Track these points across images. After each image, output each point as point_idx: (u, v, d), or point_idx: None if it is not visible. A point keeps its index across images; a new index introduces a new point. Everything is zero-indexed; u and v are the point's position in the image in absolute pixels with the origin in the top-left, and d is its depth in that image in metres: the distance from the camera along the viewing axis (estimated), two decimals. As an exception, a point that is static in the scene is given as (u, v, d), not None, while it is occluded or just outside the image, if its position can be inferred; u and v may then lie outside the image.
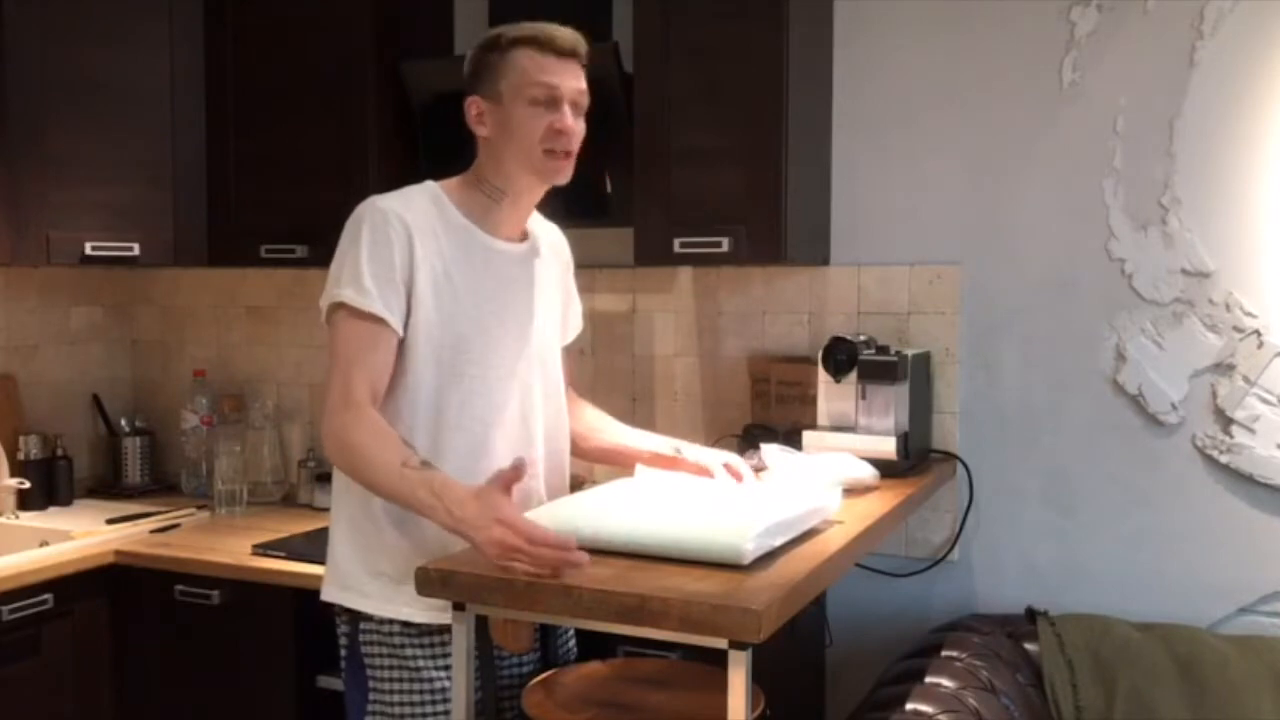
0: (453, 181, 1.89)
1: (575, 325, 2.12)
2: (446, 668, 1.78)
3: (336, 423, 1.72)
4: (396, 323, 1.75)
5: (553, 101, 1.79)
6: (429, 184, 1.87)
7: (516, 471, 1.62)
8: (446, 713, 1.77)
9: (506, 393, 1.85)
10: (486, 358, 1.83)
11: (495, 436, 1.83)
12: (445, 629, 1.75)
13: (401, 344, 1.78)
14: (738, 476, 1.96)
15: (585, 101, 1.85)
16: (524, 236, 1.94)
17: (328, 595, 1.88)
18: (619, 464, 2.09)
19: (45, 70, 2.62)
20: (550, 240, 2.03)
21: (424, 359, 1.78)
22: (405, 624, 1.80)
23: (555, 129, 1.80)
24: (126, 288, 3.32)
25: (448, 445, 1.79)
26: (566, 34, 1.82)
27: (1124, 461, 2.38)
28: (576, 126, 1.83)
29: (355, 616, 1.84)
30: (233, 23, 2.76)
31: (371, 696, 1.83)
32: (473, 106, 1.84)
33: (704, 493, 1.85)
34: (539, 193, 1.90)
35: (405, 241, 1.76)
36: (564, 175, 1.85)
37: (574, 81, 1.82)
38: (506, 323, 1.86)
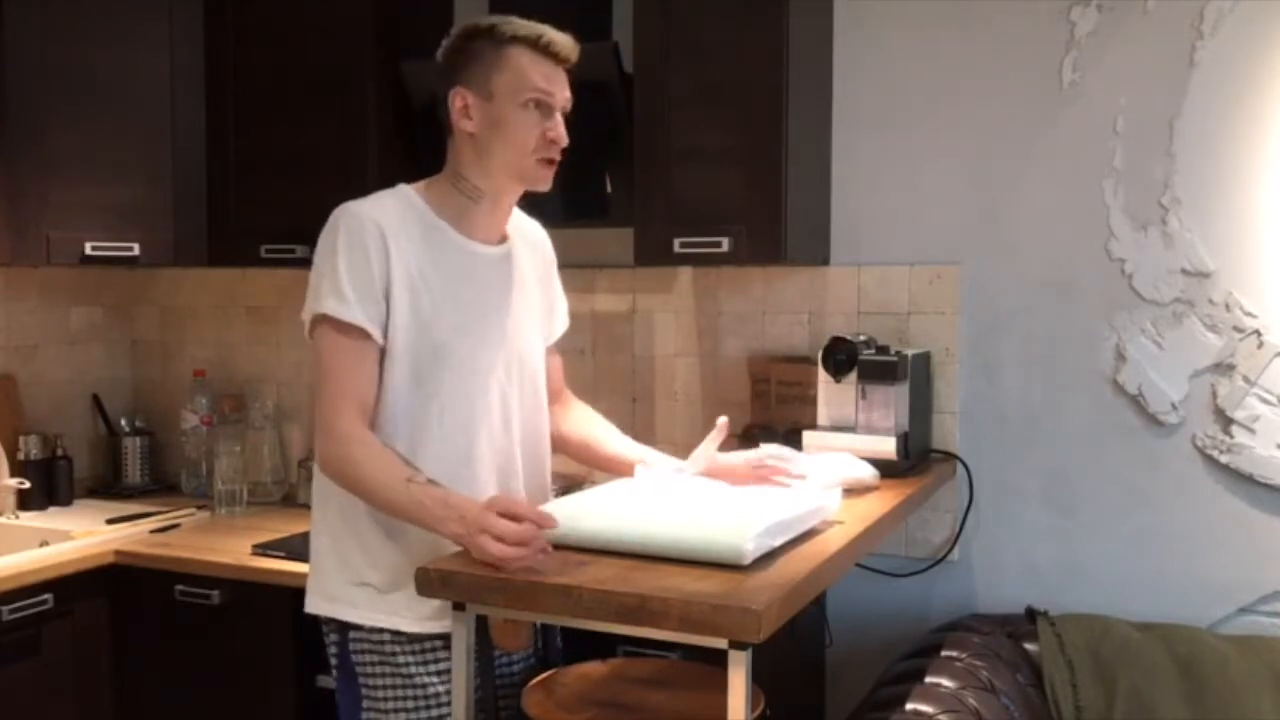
0: (425, 183, 1.85)
1: (561, 323, 2.08)
2: (440, 673, 1.77)
3: (331, 442, 1.71)
4: (377, 333, 1.74)
5: (548, 108, 1.77)
6: (401, 187, 1.84)
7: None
8: (442, 718, 1.76)
9: (487, 398, 1.82)
10: (465, 364, 1.80)
11: (477, 442, 1.81)
12: (437, 635, 1.75)
13: (382, 352, 1.75)
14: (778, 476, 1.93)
15: (570, 109, 1.82)
16: (503, 238, 1.90)
17: (313, 608, 1.85)
18: (622, 474, 2.05)
19: (45, 70, 2.62)
20: (531, 238, 1.99)
21: (402, 367, 1.76)
22: (396, 631, 1.78)
23: (549, 138, 1.77)
24: (126, 288, 3.31)
25: (430, 453, 1.76)
26: (566, 40, 1.78)
27: (1124, 461, 2.38)
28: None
29: (344, 626, 1.82)
30: (233, 22, 2.76)
31: (365, 705, 1.81)
32: (458, 98, 1.78)
33: (704, 493, 1.85)
34: (517, 194, 1.87)
35: (381, 246, 1.73)
36: (548, 182, 1.83)
37: (566, 90, 1.80)
38: (485, 326, 1.83)
